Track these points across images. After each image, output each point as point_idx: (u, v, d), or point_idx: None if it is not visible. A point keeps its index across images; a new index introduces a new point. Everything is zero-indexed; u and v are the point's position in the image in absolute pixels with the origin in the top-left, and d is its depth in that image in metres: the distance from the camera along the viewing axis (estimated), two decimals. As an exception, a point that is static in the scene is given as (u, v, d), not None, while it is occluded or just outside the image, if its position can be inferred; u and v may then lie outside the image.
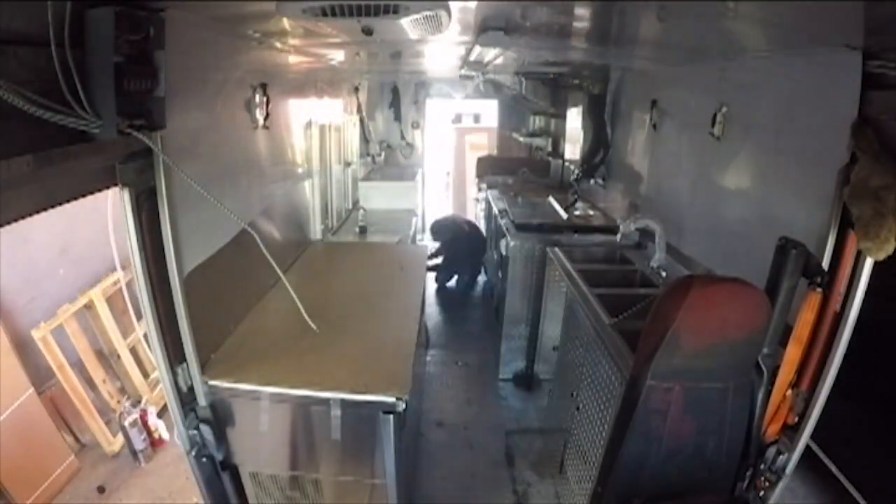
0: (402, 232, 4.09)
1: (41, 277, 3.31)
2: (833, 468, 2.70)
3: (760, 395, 1.49)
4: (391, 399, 1.72)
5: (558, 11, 1.76)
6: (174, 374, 1.67)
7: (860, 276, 1.35)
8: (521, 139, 6.42)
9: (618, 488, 1.53)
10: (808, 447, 1.57)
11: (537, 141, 6.10)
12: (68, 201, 1.27)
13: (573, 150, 4.49)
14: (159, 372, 1.68)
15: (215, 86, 1.86)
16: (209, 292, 1.83)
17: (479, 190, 5.74)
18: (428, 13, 1.49)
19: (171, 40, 1.33)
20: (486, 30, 2.00)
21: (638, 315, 1.94)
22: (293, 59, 2.77)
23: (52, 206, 1.22)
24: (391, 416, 1.72)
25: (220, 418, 1.81)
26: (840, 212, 1.37)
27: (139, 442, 3.17)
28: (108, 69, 1.10)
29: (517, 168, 5.56)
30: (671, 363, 1.37)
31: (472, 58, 2.93)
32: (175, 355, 1.67)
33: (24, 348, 3.06)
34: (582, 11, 1.77)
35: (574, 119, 4.49)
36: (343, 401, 1.74)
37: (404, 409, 1.74)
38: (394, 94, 6.17)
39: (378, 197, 4.72)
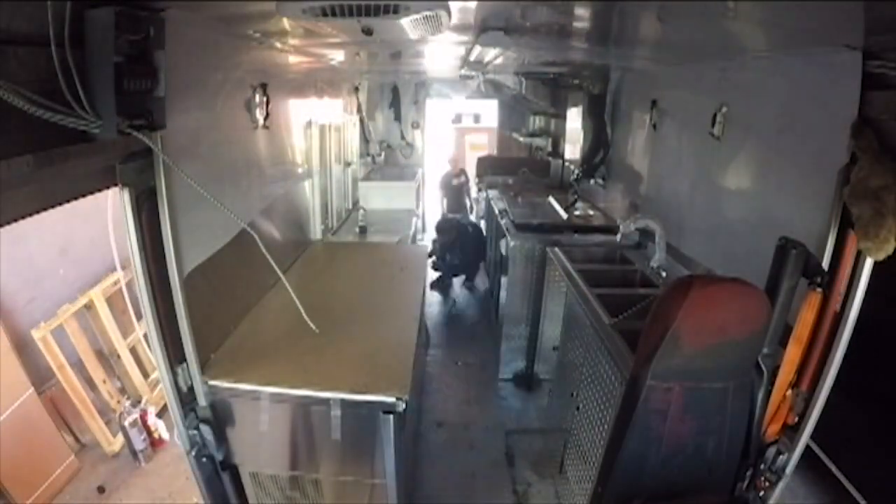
0: (402, 232, 4.09)
1: (41, 277, 3.32)
2: (833, 468, 2.70)
3: (760, 395, 1.49)
4: (391, 399, 1.72)
5: (558, 11, 1.76)
6: (174, 374, 1.68)
7: (860, 276, 1.35)
8: (521, 139, 6.43)
9: (618, 488, 1.53)
10: (808, 447, 1.57)
11: (537, 141, 6.10)
12: (68, 201, 1.27)
13: (573, 150, 4.48)
14: (159, 372, 1.68)
15: (215, 86, 1.86)
16: (209, 292, 1.83)
17: (479, 190, 5.74)
18: (428, 13, 1.49)
19: (171, 40, 1.33)
20: (486, 30, 2.01)
21: (638, 315, 1.94)
22: (293, 59, 2.77)
23: (52, 206, 1.23)
24: (391, 416, 1.72)
25: (220, 418, 1.81)
26: (840, 212, 1.37)
27: (139, 442, 3.17)
28: (108, 69, 1.10)
29: (517, 168, 5.56)
30: (671, 363, 1.37)
31: (472, 58, 2.93)
32: (175, 355, 1.67)
33: (24, 348, 3.07)
34: (582, 11, 1.77)
35: (574, 119, 4.48)
36: (343, 401, 1.74)
37: (404, 409, 1.74)
38: (394, 94, 6.18)
39: (378, 197, 4.73)
